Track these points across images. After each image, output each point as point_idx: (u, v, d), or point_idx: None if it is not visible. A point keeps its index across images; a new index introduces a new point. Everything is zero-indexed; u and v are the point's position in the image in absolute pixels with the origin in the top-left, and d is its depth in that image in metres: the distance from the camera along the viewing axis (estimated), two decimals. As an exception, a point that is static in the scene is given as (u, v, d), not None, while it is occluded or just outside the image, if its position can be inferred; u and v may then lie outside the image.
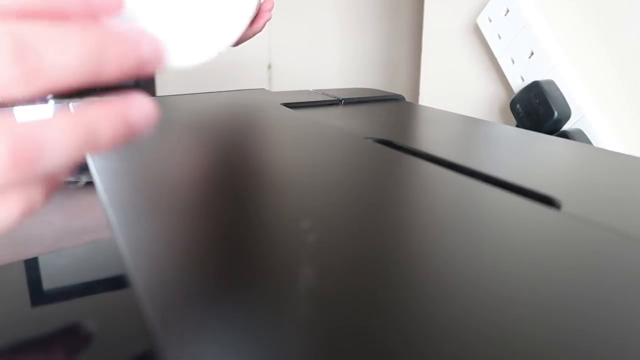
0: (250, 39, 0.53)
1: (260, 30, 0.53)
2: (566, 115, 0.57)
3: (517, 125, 0.61)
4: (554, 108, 0.56)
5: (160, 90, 1.08)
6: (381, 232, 0.21)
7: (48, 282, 0.38)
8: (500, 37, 0.65)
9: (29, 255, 0.29)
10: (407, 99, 0.59)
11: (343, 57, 1.09)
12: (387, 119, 0.48)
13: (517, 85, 0.63)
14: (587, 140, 0.56)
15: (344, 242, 0.20)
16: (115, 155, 0.32)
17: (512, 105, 0.62)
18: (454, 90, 0.75)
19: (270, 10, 0.53)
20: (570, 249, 0.20)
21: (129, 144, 0.18)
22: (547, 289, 0.17)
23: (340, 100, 0.53)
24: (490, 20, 0.66)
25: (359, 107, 0.52)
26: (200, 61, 0.24)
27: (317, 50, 1.09)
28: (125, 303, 0.33)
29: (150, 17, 0.26)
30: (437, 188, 0.28)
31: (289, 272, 0.18)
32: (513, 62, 0.63)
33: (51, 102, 1.14)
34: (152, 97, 0.29)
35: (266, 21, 0.52)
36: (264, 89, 0.63)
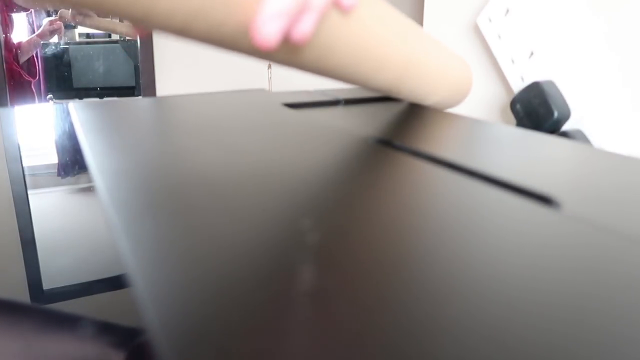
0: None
1: None
2: (566, 116, 0.57)
3: (517, 125, 0.61)
4: (553, 108, 0.56)
5: (160, 90, 1.08)
6: (380, 232, 0.21)
7: (48, 282, 0.38)
8: (500, 37, 0.65)
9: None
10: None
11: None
12: (387, 119, 0.48)
13: (517, 85, 0.63)
14: (586, 141, 0.56)
15: (343, 242, 0.20)
16: (115, 155, 0.32)
17: (512, 105, 0.62)
18: (454, 90, 0.75)
19: None
20: (569, 249, 0.20)
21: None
22: (545, 289, 0.17)
23: (341, 101, 0.53)
24: (490, 20, 0.66)
25: (360, 107, 0.52)
26: None
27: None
28: (126, 303, 0.33)
29: None
30: (437, 188, 0.28)
31: (289, 272, 0.18)
32: (513, 62, 0.64)
33: (51, 102, 1.14)
34: (153, 98, 0.30)
35: None
36: (264, 89, 0.63)
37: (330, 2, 0.31)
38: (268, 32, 0.27)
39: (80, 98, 1.14)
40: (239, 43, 0.29)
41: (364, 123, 0.46)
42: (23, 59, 1.03)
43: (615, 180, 0.31)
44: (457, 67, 0.49)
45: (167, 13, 0.25)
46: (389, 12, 0.39)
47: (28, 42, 1.04)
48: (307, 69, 0.35)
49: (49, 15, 1.05)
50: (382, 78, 0.41)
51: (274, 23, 0.27)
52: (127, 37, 1.09)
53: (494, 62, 0.67)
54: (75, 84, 1.14)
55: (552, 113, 0.56)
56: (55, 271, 0.40)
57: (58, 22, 1.04)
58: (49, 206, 0.56)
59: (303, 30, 0.29)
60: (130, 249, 0.19)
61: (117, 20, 1.09)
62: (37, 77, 1.07)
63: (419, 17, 0.88)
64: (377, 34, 0.37)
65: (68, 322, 0.32)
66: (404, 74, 0.41)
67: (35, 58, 1.06)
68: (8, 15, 1.00)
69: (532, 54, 0.61)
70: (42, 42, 1.05)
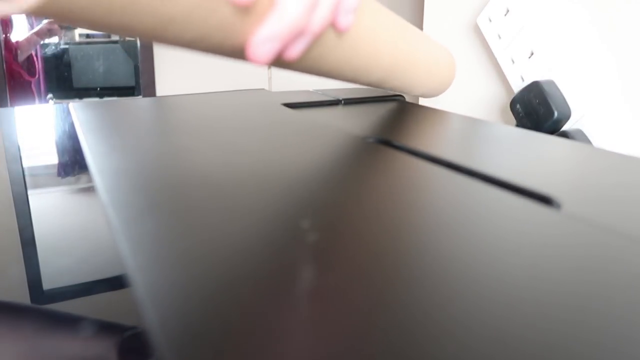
0: None
1: None
2: (566, 115, 0.57)
3: (517, 125, 0.61)
4: (554, 108, 0.56)
5: (160, 90, 1.08)
6: (380, 232, 0.21)
7: (48, 282, 0.38)
8: (500, 37, 0.65)
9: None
10: (407, 99, 0.59)
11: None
12: (387, 119, 0.48)
13: (517, 85, 0.63)
14: (587, 140, 0.56)
15: (343, 242, 0.20)
16: (115, 155, 0.32)
17: (512, 105, 0.62)
18: (453, 90, 0.75)
19: None
20: (569, 249, 0.20)
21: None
22: (545, 289, 0.17)
23: (341, 100, 0.53)
24: (490, 20, 0.66)
25: (359, 107, 0.52)
26: None
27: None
28: (126, 303, 0.33)
29: None
30: (437, 188, 0.28)
31: (289, 272, 0.18)
32: (513, 62, 0.63)
33: (51, 101, 1.14)
34: (152, 98, 0.31)
35: None
36: (264, 89, 0.63)
37: (327, 25, 0.31)
38: (261, 53, 0.29)
39: (80, 98, 1.14)
40: (236, 57, 0.31)
41: (364, 123, 0.46)
42: (22, 57, 1.03)
43: (615, 180, 0.31)
44: (441, 60, 0.52)
45: (174, 40, 0.28)
46: (379, 15, 0.40)
47: (26, 40, 1.04)
48: (298, 71, 0.37)
49: (48, 15, 1.05)
50: (371, 78, 0.43)
51: (267, 45, 0.28)
52: (127, 37, 1.09)
53: (494, 62, 0.67)
54: (75, 84, 1.14)
55: (552, 113, 0.56)
56: (55, 271, 0.40)
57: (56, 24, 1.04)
58: (49, 206, 0.56)
59: (295, 52, 0.31)
60: (129, 249, 0.19)
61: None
62: (37, 76, 1.07)
63: (419, 17, 0.88)
64: (368, 41, 0.38)
65: (69, 323, 0.32)
66: (393, 72, 0.44)
67: (34, 57, 1.06)
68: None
69: (532, 54, 0.61)
70: (40, 40, 1.05)
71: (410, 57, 0.45)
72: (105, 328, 0.31)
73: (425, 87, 0.52)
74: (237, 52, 0.30)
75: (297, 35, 0.29)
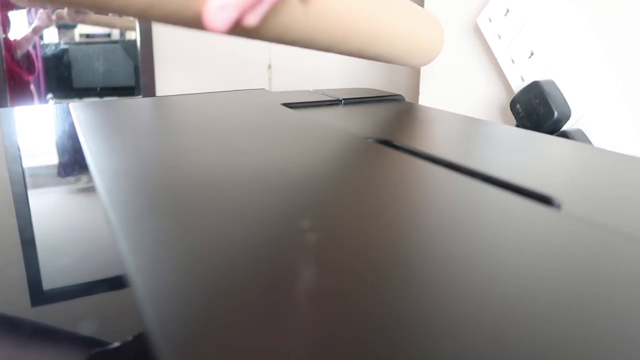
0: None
1: None
2: (566, 115, 0.57)
3: (517, 125, 0.61)
4: (554, 108, 0.56)
5: (160, 90, 1.08)
6: (381, 232, 0.21)
7: (48, 282, 0.38)
8: (500, 37, 0.65)
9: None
10: (407, 99, 0.59)
11: (343, 56, 1.09)
12: (387, 119, 0.48)
13: (517, 85, 0.63)
14: (587, 140, 0.56)
15: (343, 242, 0.20)
16: (115, 155, 0.32)
17: (512, 105, 0.61)
18: (454, 90, 0.75)
19: None
20: (569, 249, 0.20)
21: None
22: (545, 289, 0.17)
23: (341, 100, 0.53)
24: (490, 20, 0.66)
25: (359, 107, 0.52)
26: None
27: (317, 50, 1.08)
28: (125, 303, 0.33)
29: None
30: (437, 188, 0.28)
31: (289, 272, 0.18)
32: (513, 62, 0.63)
33: (51, 101, 1.14)
34: (152, 98, 0.31)
35: None
36: (264, 89, 0.63)
37: None
38: (217, 21, 0.28)
39: (80, 98, 1.14)
40: (196, 27, 0.31)
41: (364, 123, 0.46)
42: (19, 54, 1.04)
43: (615, 180, 0.31)
44: (427, 28, 0.51)
45: (122, 8, 0.27)
46: None
47: (24, 39, 1.04)
48: (268, 41, 0.36)
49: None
50: (349, 46, 0.42)
51: (224, 13, 0.28)
52: (126, 29, 1.09)
53: (494, 62, 0.67)
54: (75, 84, 1.14)
55: (552, 113, 0.56)
56: (55, 271, 0.40)
57: (42, 16, 1.05)
58: (49, 206, 0.56)
59: (253, 18, 0.30)
60: (129, 249, 0.19)
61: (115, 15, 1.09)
62: (36, 73, 1.07)
63: (419, 17, 0.88)
64: (340, 6, 0.38)
65: (42, 335, 0.32)
66: (371, 40, 0.43)
67: (34, 55, 1.06)
68: (5, 14, 1.00)
69: (532, 54, 0.61)
70: (36, 36, 1.06)
71: (391, 25, 0.44)
72: (78, 341, 0.31)
73: (409, 56, 0.51)
74: (197, 22, 0.30)
75: (254, 2, 0.29)
